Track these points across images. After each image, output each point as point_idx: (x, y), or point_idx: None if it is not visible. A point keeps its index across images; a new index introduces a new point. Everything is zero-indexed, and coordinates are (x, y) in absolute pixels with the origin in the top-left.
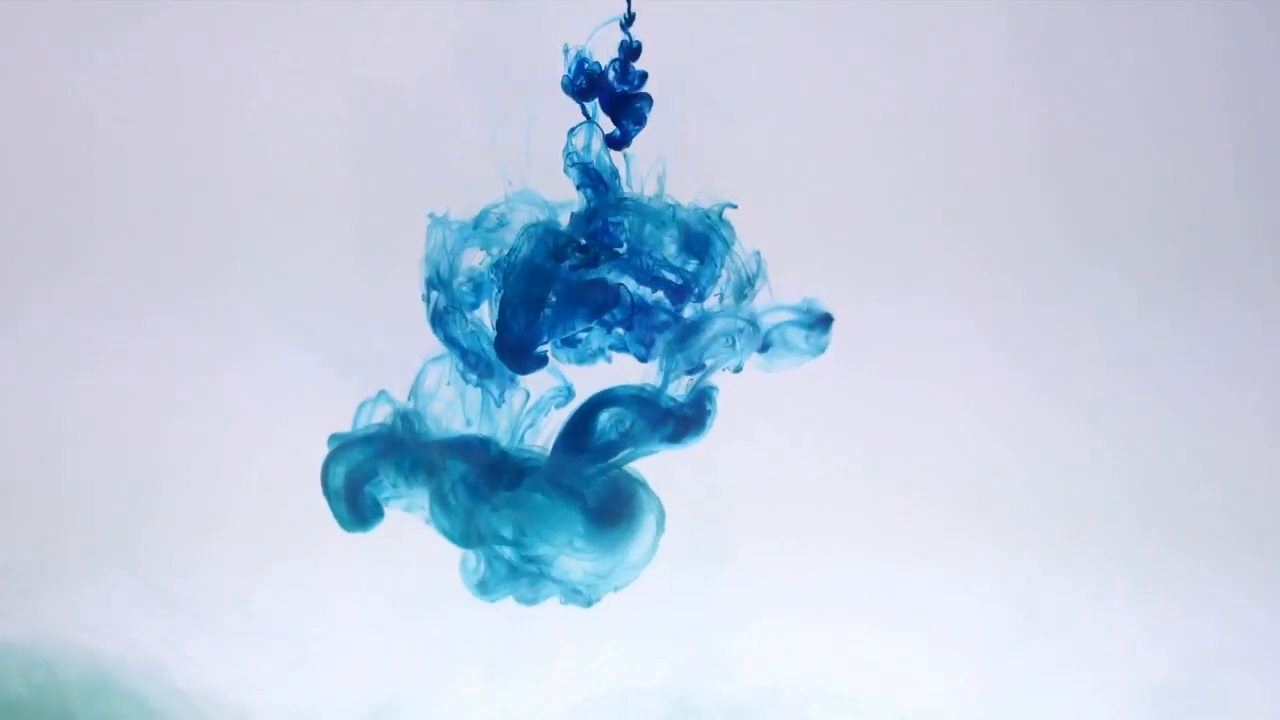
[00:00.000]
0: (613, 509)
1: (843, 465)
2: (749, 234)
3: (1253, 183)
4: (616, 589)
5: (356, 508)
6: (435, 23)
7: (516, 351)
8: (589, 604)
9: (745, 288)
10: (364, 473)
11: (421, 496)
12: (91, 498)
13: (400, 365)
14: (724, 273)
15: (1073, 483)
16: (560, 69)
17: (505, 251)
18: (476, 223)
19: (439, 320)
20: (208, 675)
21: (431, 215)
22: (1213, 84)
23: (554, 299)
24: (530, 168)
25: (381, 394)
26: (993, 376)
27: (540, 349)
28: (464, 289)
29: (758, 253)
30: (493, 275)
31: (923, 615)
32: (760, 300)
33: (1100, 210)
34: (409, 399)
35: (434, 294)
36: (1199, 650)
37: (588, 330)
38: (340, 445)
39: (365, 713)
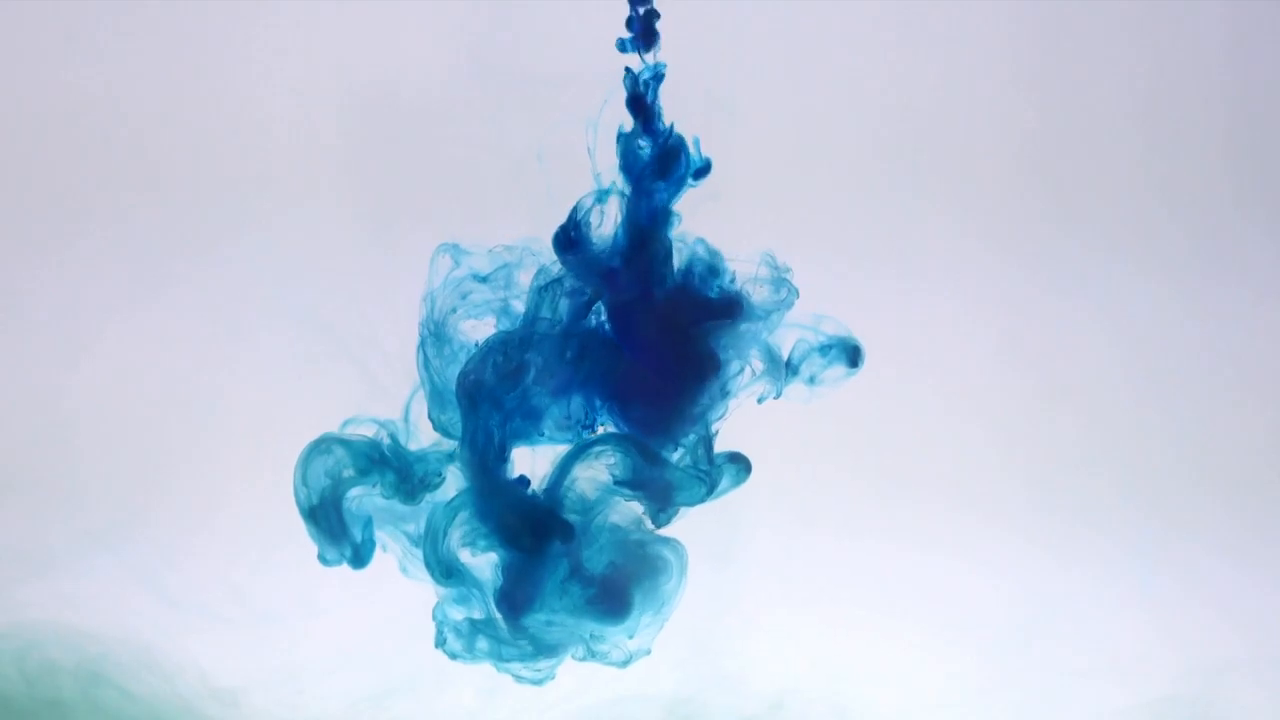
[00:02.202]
0: (628, 573)
1: (847, 467)
2: (747, 234)
3: (1253, 182)
4: (663, 625)
5: (342, 526)
6: (435, 21)
7: (485, 479)
8: (626, 663)
9: (778, 303)
10: (347, 482)
11: (412, 521)
12: (87, 486)
13: (403, 359)
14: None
15: (1080, 485)
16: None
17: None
18: (486, 276)
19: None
20: (202, 666)
21: (457, 246)
22: (1213, 84)
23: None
24: (534, 167)
25: (373, 420)
26: (998, 374)
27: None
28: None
29: (769, 254)
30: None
31: (927, 619)
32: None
33: (1102, 209)
34: (404, 410)
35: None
36: (1207, 655)
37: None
38: (320, 444)
39: (363, 711)
